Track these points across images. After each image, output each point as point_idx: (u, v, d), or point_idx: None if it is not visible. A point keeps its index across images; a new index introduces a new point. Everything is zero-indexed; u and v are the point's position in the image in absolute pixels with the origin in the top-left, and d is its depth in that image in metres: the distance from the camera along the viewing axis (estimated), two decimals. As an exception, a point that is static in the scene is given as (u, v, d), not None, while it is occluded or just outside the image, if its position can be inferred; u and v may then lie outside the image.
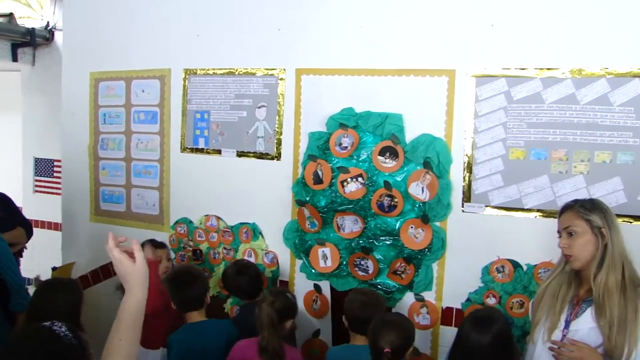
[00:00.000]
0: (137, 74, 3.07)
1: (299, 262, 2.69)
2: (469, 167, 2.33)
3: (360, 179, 2.46)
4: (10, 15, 4.40)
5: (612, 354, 1.56)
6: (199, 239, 2.94)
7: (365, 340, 2.03)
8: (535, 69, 2.21)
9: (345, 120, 2.50)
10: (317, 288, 2.66)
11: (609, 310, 1.57)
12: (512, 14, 2.23)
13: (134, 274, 1.29)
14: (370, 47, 2.48)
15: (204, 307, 2.33)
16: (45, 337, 1.23)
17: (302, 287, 2.70)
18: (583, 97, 2.14)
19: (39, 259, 4.21)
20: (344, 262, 2.56)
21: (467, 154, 2.33)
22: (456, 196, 2.35)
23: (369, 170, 2.47)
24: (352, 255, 2.52)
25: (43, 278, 4.36)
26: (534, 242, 2.22)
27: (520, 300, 2.25)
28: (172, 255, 2.94)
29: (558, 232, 1.74)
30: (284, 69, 2.67)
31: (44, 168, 4.71)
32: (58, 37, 4.46)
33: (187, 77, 2.93)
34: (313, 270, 2.63)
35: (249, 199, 2.79)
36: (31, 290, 2.46)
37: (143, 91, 3.07)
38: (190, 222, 2.97)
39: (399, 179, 2.42)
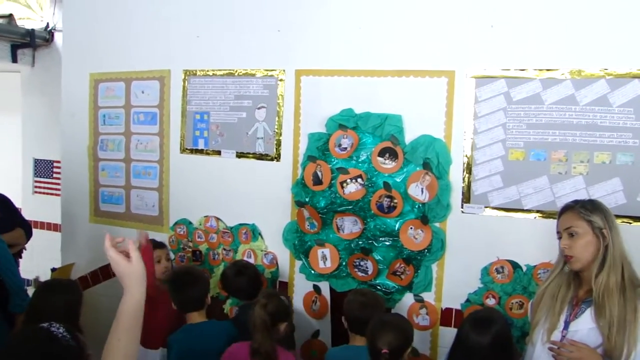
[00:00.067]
0: (137, 75, 3.08)
1: (298, 263, 2.69)
2: (469, 168, 2.33)
3: (359, 179, 2.46)
4: (10, 16, 4.40)
5: (611, 354, 1.56)
6: (199, 239, 2.94)
7: (364, 341, 2.03)
8: (535, 69, 2.21)
9: (344, 121, 2.50)
10: (317, 289, 2.66)
11: (609, 310, 1.57)
12: (511, 15, 2.23)
13: (131, 274, 1.28)
14: (369, 48, 2.48)
15: (204, 308, 2.33)
16: (43, 338, 1.23)
17: (301, 287, 2.70)
18: (582, 98, 2.14)
19: (38, 260, 4.20)
20: (344, 263, 2.56)
21: (466, 154, 2.33)
22: (456, 197, 2.35)
23: (368, 171, 2.47)
24: (352, 256, 2.52)
25: (42, 279, 4.36)
26: (534, 243, 2.22)
27: (520, 301, 2.25)
28: (172, 256, 2.94)
29: (558, 232, 1.74)
30: (284, 70, 2.67)
31: (44, 169, 4.71)
32: (58, 38, 4.46)
33: (186, 78, 2.93)
34: (312, 271, 2.63)
35: (249, 200, 2.79)
36: (30, 291, 2.46)
37: (143, 92, 3.07)
38: (190, 223, 2.97)
39: (398, 180, 2.42)
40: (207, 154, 2.89)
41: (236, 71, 2.80)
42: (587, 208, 1.68)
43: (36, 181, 4.77)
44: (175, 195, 3.01)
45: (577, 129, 2.15)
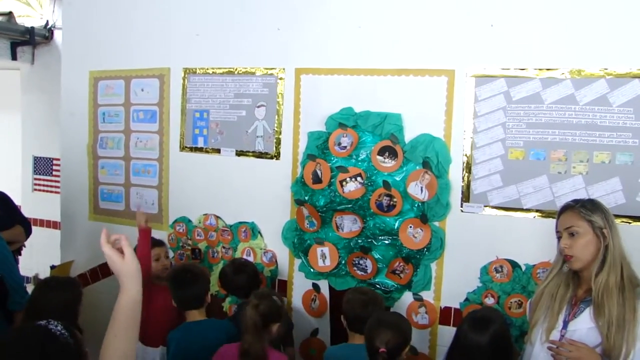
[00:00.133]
0: (137, 72, 3.07)
1: (297, 262, 2.69)
2: (468, 167, 2.33)
3: (359, 178, 2.46)
4: (10, 13, 4.39)
5: (610, 353, 1.56)
6: (198, 237, 2.94)
7: (363, 339, 2.02)
8: (535, 69, 2.21)
9: (344, 120, 2.50)
10: (316, 287, 2.66)
11: (608, 310, 1.57)
12: (511, 14, 2.23)
13: (125, 271, 1.28)
14: (369, 46, 2.48)
15: (203, 306, 2.33)
16: (41, 335, 1.23)
17: (300, 286, 2.70)
18: (582, 98, 2.14)
19: (37, 258, 4.21)
20: (343, 262, 2.56)
21: (466, 154, 2.33)
22: (455, 196, 2.35)
23: (368, 170, 2.47)
24: (351, 255, 2.52)
25: (42, 276, 4.35)
26: (533, 242, 2.22)
27: (519, 300, 2.26)
28: (171, 254, 2.94)
29: (557, 232, 1.74)
30: (284, 69, 2.67)
31: (43, 166, 4.71)
32: (57, 35, 4.46)
33: (186, 76, 2.93)
34: (312, 270, 2.63)
35: (248, 198, 2.79)
36: (30, 288, 2.46)
37: (142, 90, 3.07)
38: (189, 221, 2.97)
39: (398, 179, 2.42)
40: (207, 152, 2.89)
41: (236, 69, 2.79)
42: (587, 208, 1.68)
43: (36, 179, 4.76)
44: (175, 193, 3.01)
45: (576, 128, 2.15)
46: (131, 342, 1.27)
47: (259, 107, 2.75)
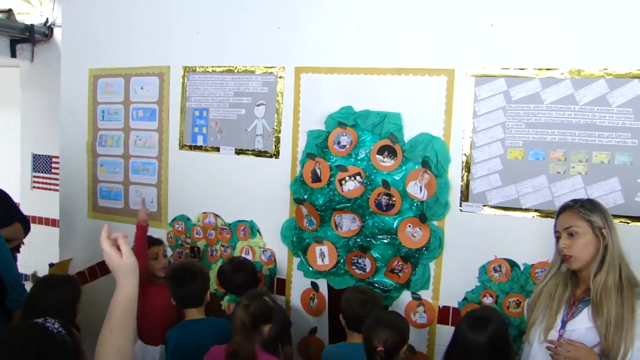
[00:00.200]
0: (136, 71, 3.07)
1: (296, 260, 2.69)
2: (467, 167, 2.33)
3: (358, 177, 2.46)
4: (9, 11, 4.38)
5: (608, 353, 1.56)
6: (197, 236, 2.94)
7: (362, 338, 2.03)
8: (535, 69, 2.21)
9: (344, 119, 2.50)
10: (315, 286, 2.66)
11: (606, 310, 1.57)
12: (511, 14, 2.23)
13: (122, 268, 1.29)
14: (369, 46, 2.48)
15: (202, 304, 2.33)
16: (38, 334, 1.23)
17: (299, 285, 2.70)
18: (582, 98, 2.14)
19: (36, 255, 4.20)
20: (342, 261, 2.56)
21: (465, 153, 2.33)
22: (454, 195, 2.35)
23: (367, 169, 2.47)
24: (350, 254, 2.52)
25: (40, 274, 4.34)
26: (532, 242, 2.22)
27: (517, 300, 2.26)
28: (170, 252, 2.94)
29: (556, 232, 1.74)
30: (283, 67, 2.67)
31: (42, 164, 4.70)
32: (57, 33, 4.44)
33: (186, 74, 2.92)
34: (310, 268, 2.63)
35: (247, 197, 2.79)
36: (28, 286, 2.46)
37: (142, 88, 3.07)
38: (188, 219, 2.97)
39: (397, 178, 2.42)
40: (206, 150, 2.89)
41: (236, 68, 2.79)
42: (586, 208, 1.68)
43: (35, 176, 4.75)
44: (174, 192, 3.01)
45: (576, 128, 2.15)
46: (127, 338, 1.27)
47: (258, 105, 2.75)
